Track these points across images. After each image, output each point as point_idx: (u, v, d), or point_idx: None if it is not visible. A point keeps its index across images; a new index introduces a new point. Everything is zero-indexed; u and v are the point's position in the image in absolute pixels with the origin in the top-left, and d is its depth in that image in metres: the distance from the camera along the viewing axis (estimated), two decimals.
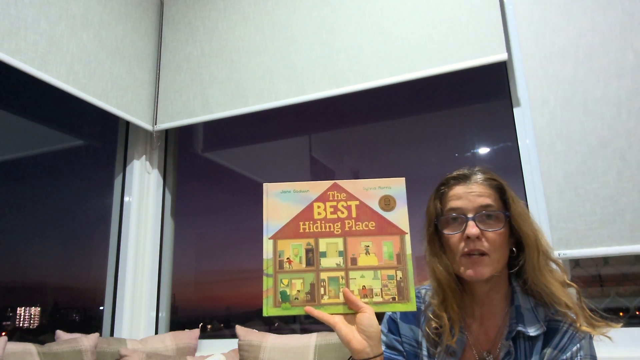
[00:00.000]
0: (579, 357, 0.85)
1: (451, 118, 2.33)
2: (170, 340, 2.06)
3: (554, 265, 0.92)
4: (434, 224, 0.95)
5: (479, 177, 0.93)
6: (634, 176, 1.66)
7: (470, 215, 0.89)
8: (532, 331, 0.88)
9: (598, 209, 1.69)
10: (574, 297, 0.89)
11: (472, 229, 0.88)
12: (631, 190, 1.66)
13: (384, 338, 1.02)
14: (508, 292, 0.93)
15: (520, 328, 0.88)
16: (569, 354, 0.85)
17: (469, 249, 0.89)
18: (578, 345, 0.85)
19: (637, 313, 1.77)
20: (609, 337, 0.87)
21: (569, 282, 0.90)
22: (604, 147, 1.72)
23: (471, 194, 0.91)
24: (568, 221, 1.72)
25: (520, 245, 0.92)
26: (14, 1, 1.83)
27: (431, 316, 0.95)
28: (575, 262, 1.84)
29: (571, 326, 0.87)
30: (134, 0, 2.46)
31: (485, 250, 0.88)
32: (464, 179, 0.94)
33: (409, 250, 0.85)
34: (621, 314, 1.78)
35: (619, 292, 1.81)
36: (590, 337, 0.87)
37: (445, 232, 0.93)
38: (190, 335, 2.13)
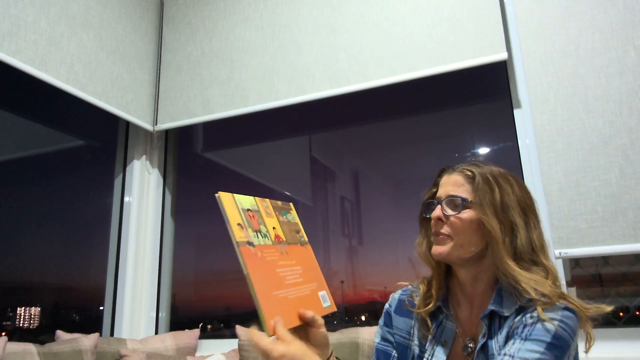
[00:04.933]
0: (540, 322, 0.83)
1: (451, 118, 2.33)
2: (170, 340, 2.06)
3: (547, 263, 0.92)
4: (422, 209, 1.05)
5: (459, 169, 1.00)
6: (637, 173, 1.66)
7: (440, 201, 0.98)
8: (506, 311, 0.90)
9: (600, 207, 1.68)
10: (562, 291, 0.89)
11: (436, 212, 0.97)
12: (634, 188, 1.65)
13: (379, 331, 1.10)
14: (494, 282, 0.96)
15: (494, 308, 0.91)
16: (531, 315, 0.85)
17: (434, 230, 0.98)
18: (550, 313, 0.84)
19: (637, 313, 1.77)
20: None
21: (551, 283, 0.88)
22: (606, 144, 1.71)
23: (448, 183, 0.99)
24: (569, 219, 1.71)
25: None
26: (14, 1, 1.83)
27: (411, 287, 1.07)
28: (575, 262, 1.83)
29: (545, 303, 0.85)
30: (134, 0, 2.46)
31: (447, 233, 0.95)
32: (448, 170, 1.02)
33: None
34: (621, 314, 1.78)
35: (619, 292, 1.81)
36: (572, 311, 0.85)
37: (424, 215, 1.03)
38: (190, 335, 2.13)
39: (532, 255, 0.92)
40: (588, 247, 1.67)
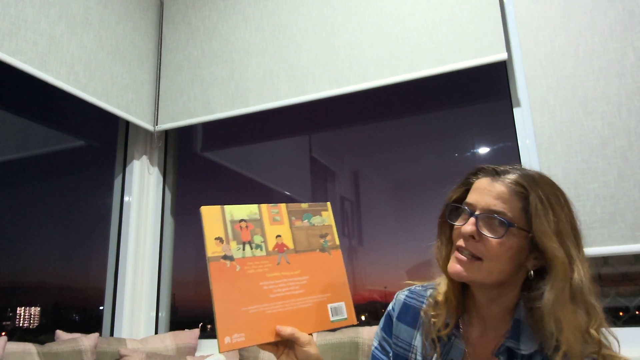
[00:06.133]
0: None
1: (451, 118, 2.33)
2: (170, 340, 2.06)
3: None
4: (445, 211, 0.89)
5: (508, 177, 0.83)
6: (635, 175, 1.66)
7: (476, 213, 0.82)
8: (525, 349, 0.79)
9: (598, 208, 1.69)
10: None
11: (468, 226, 0.81)
12: (632, 189, 1.66)
13: (378, 334, 1.00)
14: (512, 307, 0.85)
15: (510, 344, 0.80)
16: None
17: (459, 245, 0.83)
18: None
19: (637, 313, 1.77)
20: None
21: (594, 332, 0.75)
22: (604, 146, 1.72)
23: (490, 192, 0.82)
24: None
25: (542, 270, 0.81)
26: (14, 1, 1.83)
27: (430, 300, 0.92)
28: None
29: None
30: (134, 0, 2.46)
31: (477, 254, 0.81)
32: (492, 174, 0.85)
33: None
34: (621, 313, 1.78)
35: (619, 292, 1.81)
36: None
37: (451, 221, 0.87)
38: (190, 335, 2.13)
39: (587, 293, 0.76)
40: (587, 247, 1.65)
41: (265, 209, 0.90)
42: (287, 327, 0.82)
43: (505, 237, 0.79)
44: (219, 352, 0.78)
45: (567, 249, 0.77)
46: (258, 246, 0.87)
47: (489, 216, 0.81)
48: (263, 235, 0.88)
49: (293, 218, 0.92)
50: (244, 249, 0.85)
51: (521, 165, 0.87)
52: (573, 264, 0.77)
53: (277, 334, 0.82)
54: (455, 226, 0.86)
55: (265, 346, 0.84)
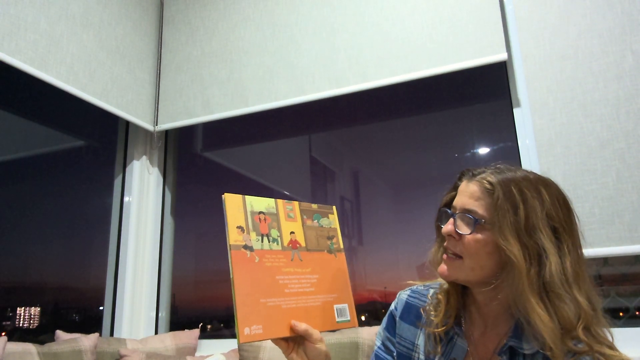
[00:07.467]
0: None
1: (451, 118, 2.33)
2: (170, 340, 2.06)
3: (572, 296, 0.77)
4: (438, 215, 0.92)
5: (481, 177, 0.85)
6: (633, 177, 1.67)
7: (455, 213, 0.85)
8: (527, 348, 0.79)
9: (597, 209, 1.69)
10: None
11: (447, 226, 0.85)
12: (630, 191, 1.66)
13: (381, 333, 1.00)
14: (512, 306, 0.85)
15: (513, 344, 0.80)
16: None
17: (445, 244, 0.86)
18: None
19: (637, 313, 1.77)
20: None
21: (580, 331, 0.74)
22: (603, 148, 1.72)
23: (465, 193, 0.85)
24: None
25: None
26: (14, 1, 1.83)
27: (432, 299, 0.94)
28: None
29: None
30: (134, 0, 2.46)
31: (458, 253, 0.83)
32: (468, 176, 0.88)
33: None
34: (621, 314, 1.78)
35: (619, 292, 1.81)
36: None
37: (440, 224, 0.90)
38: (190, 335, 2.13)
39: (563, 288, 0.76)
40: (586, 249, 1.66)
41: (281, 205, 0.91)
42: (301, 323, 0.83)
43: (479, 233, 0.81)
44: (238, 342, 0.77)
45: (537, 242, 0.77)
46: (274, 240, 0.87)
47: (462, 215, 0.84)
48: (279, 230, 0.89)
49: (305, 217, 0.94)
50: (262, 241, 0.86)
51: (507, 166, 0.87)
52: (544, 257, 0.76)
53: (292, 329, 0.82)
54: (442, 228, 0.88)
55: (278, 341, 0.84)
